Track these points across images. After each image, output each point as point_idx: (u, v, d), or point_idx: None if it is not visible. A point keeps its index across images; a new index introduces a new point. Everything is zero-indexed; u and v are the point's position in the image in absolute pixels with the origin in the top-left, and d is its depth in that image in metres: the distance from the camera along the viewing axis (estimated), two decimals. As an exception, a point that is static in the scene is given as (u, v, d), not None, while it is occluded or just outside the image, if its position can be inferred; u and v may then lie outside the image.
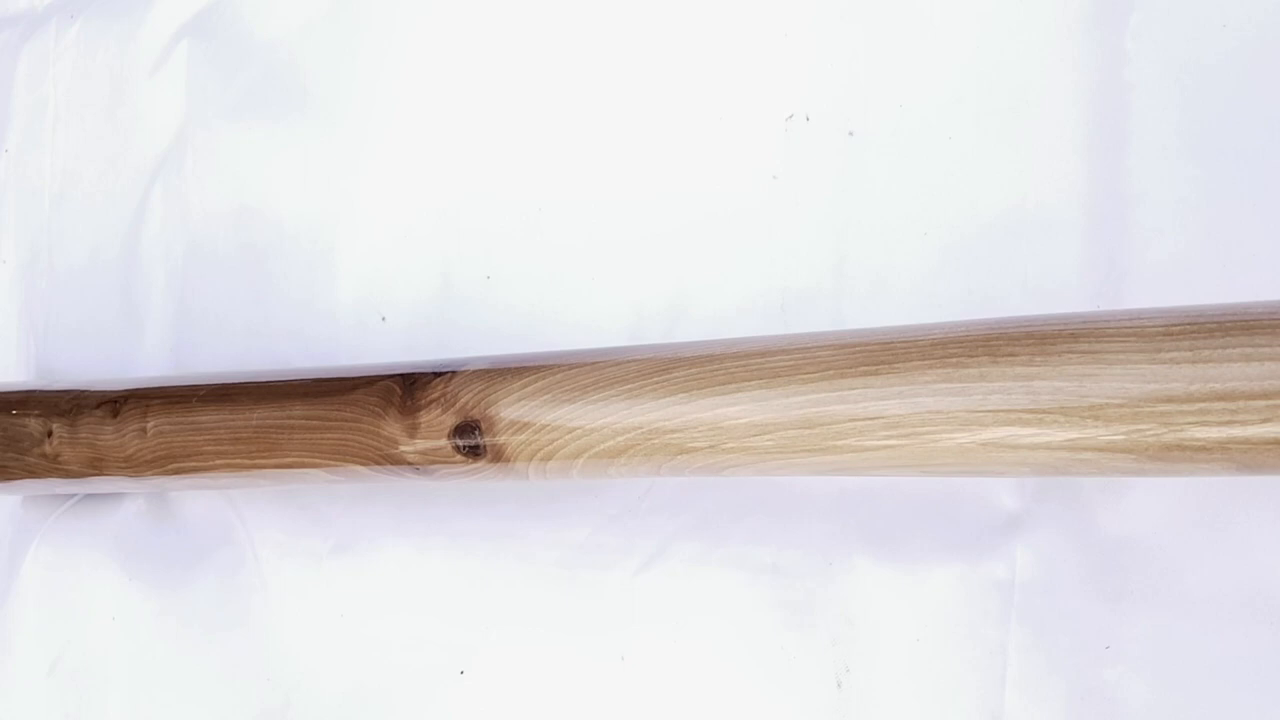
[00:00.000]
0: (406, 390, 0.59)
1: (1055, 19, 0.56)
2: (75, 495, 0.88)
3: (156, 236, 0.86)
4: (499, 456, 0.56)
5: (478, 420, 0.56)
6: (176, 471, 0.69)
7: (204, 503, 0.82)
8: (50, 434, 0.74)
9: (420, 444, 0.59)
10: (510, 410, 0.55)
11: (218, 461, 0.67)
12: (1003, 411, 0.43)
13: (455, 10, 0.75)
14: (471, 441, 0.56)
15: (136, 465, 0.70)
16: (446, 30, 0.75)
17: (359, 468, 0.62)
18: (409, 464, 0.60)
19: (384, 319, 0.75)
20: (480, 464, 0.57)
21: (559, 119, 0.70)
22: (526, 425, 0.55)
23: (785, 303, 0.62)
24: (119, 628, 0.83)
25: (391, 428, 0.59)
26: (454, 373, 0.58)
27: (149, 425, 0.69)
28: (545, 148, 0.71)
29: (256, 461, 0.65)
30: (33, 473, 0.76)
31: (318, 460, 0.63)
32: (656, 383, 0.51)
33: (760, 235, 0.63)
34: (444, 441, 0.57)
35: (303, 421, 0.63)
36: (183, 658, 0.81)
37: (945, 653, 0.56)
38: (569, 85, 0.70)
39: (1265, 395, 0.39)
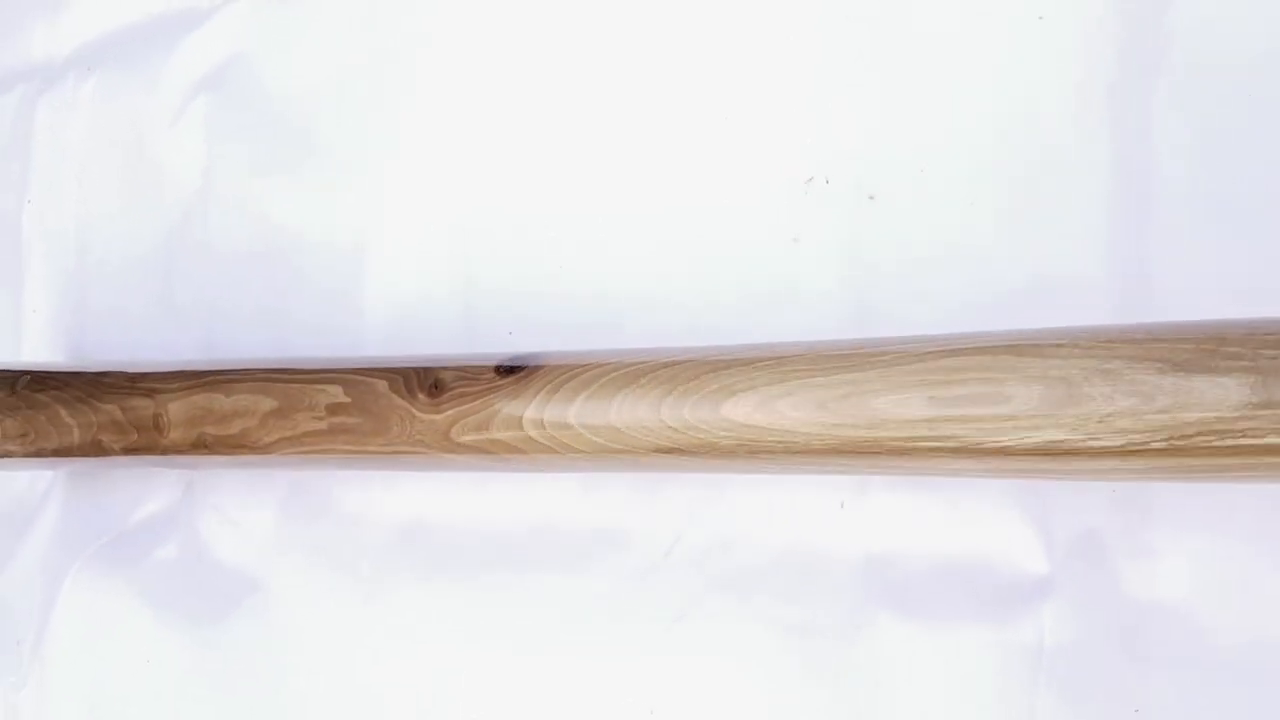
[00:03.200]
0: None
1: (1079, 85, 0.56)
2: (102, 538, 0.89)
3: (183, 284, 0.87)
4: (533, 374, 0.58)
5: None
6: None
7: (235, 548, 0.83)
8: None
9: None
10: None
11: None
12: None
13: (474, 63, 0.75)
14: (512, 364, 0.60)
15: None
16: (464, 82, 0.75)
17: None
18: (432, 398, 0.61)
19: None
20: (511, 381, 0.59)
21: (578, 180, 0.71)
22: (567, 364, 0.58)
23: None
24: (153, 671, 0.85)
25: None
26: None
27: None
28: (563, 207, 0.71)
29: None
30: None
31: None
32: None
33: (780, 297, 0.63)
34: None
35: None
36: (216, 703, 0.82)
37: (973, 716, 0.57)
38: (589, 145, 0.70)
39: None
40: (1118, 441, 0.44)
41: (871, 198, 0.61)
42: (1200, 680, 0.53)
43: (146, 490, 0.88)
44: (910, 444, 0.48)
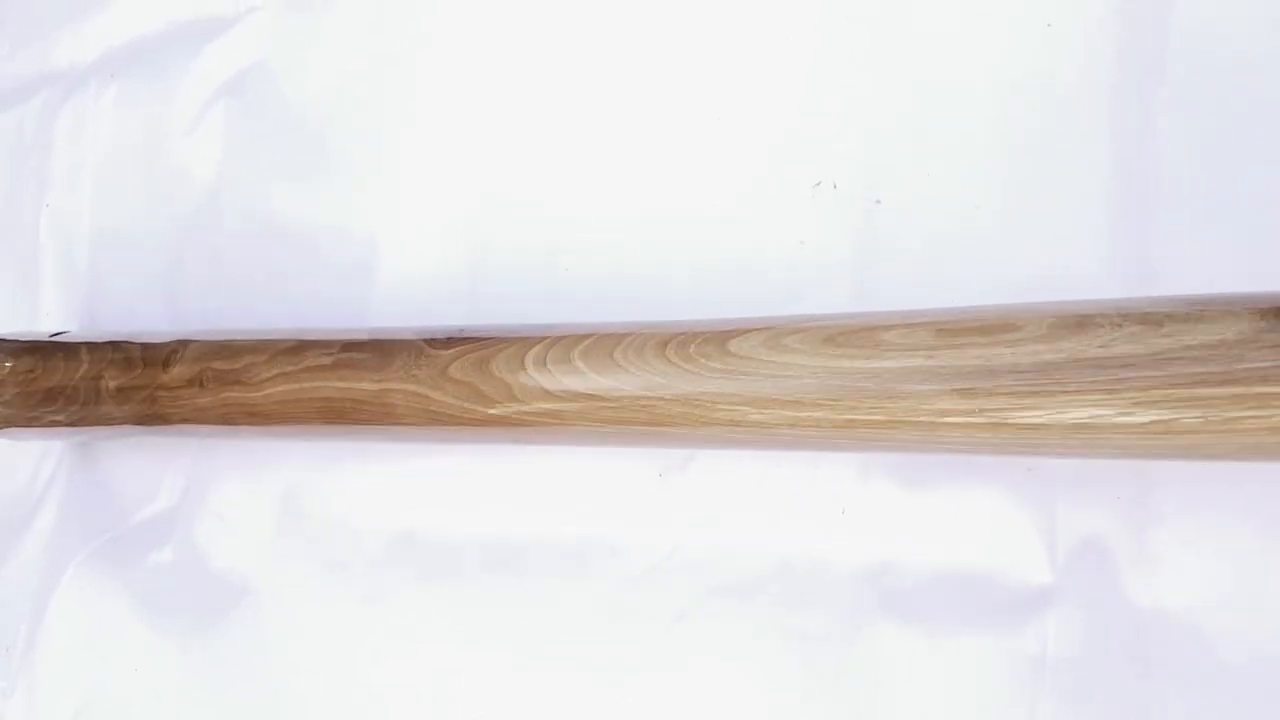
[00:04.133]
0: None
1: (1082, 88, 0.57)
2: (98, 540, 0.88)
3: (195, 292, 0.88)
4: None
5: None
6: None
7: (229, 553, 0.82)
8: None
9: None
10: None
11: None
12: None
13: (488, 72, 0.76)
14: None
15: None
16: (478, 90, 0.76)
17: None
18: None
19: None
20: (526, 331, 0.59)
21: (584, 187, 0.71)
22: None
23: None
24: (142, 679, 0.83)
25: None
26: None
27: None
28: (568, 214, 0.71)
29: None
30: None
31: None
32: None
33: (787, 301, 0.63)
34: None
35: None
36: (209, 709, 0.81)
37: (975, 726, 0.56)
38: (595, 152, 0.71)
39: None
40: (1127, 348, 0.43)
41: (878, 202, 0.61)
42: (1205, 690, 0.52)
43: (143, 493, 0.87)
44: (912, 374, 0.48)
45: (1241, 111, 0.53)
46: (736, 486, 0.64)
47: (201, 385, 0.70)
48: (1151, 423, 0.43)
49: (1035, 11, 0.58)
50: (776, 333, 0.51)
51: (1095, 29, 0.56)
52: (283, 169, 0.84)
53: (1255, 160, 0.53)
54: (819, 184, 0.63)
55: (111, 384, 0.75)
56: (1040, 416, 0.45)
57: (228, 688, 0.80)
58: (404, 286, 0.78)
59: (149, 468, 0.88)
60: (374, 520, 0.76)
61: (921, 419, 0.48)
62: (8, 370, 0.77)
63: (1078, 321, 0.45)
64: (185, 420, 0.74)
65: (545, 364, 0.57)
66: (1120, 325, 0.43)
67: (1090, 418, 0.44)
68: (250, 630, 0.79)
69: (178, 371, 0.72)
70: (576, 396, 0.56)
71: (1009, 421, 0.46)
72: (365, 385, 0.63)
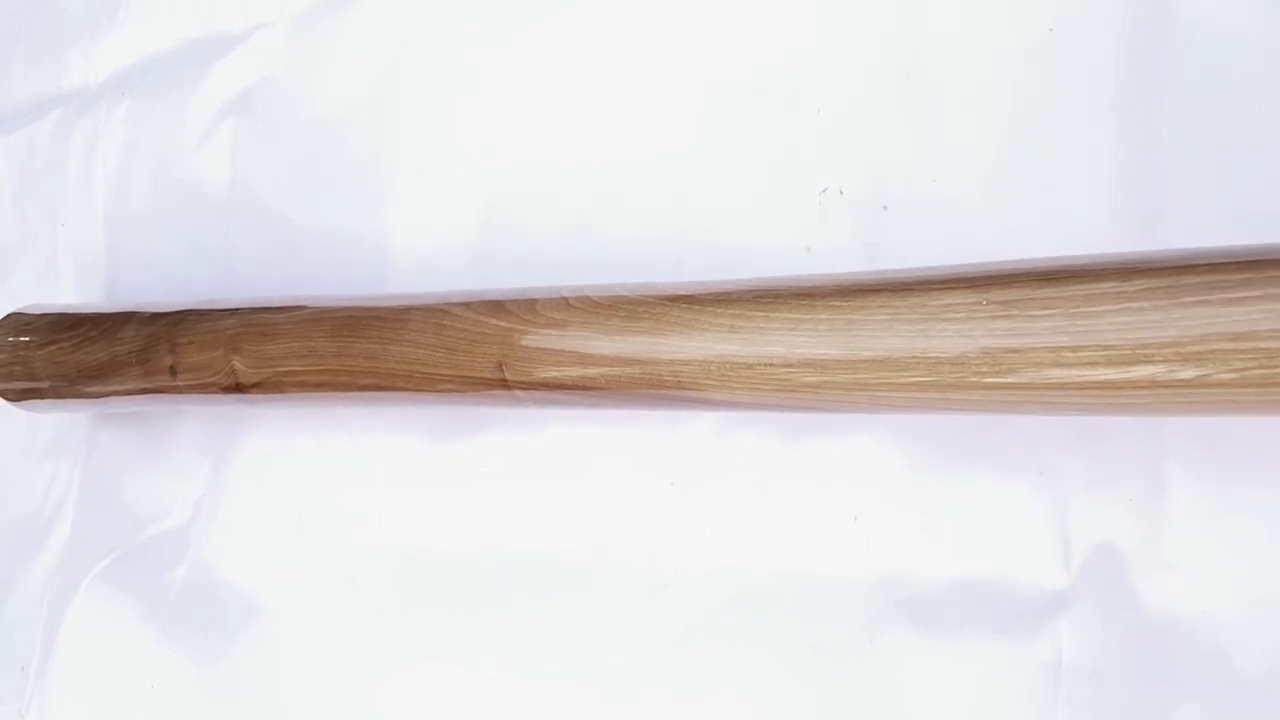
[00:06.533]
0: None
1: (1090, 95, 0.56)
2: (110, 557, 0.89)
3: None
4: None
5: None
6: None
7: (243, 571, 0.83)
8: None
9: None
10: None
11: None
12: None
13: (497, 85, 0.76)
14: None
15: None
16: (487, 103, 0.77)
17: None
18: None
19: None
20: None
21: (591, 194, 0.71)
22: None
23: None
24: (157, 696, 0.84)
25: None
26: None
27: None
28: (575, 227, 0.71)
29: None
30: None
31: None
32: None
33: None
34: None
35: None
36: (220, 727, 0.81)
37: (990, 735, 0.55)
38: (599, 161, 0.71)
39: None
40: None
41: (885, 208, 0.61)
42: (1221, 694, 0.51)
43: (155, 510, 0.88)
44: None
45: (1247, 121, 0.53)
46: (747, 496, 0.64)
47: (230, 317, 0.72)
48: (1195, 378, 0.42)
49: (1038, 16, 0.58)
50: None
51: (1102, 38, 0.56)
52: (293, 183, 0.85)
53: (1261, 172, 0.52)
54: (825, 190, 0.63)
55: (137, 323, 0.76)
56: (1074, 376, 0.44)
57: (242, 704, 0.80)
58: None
59: (161, 484, 0.88)
60: (385, 537, 0.76)
61: (951, 378, 0.47)
62: (29, 343, 0.78)
63: (1123, 271, 0.44)
64: (192, 342, 0.74)
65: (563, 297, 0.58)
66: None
67: (1125, 375, 0.43)
68: (264, 647, 0.79)
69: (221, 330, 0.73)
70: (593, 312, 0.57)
71: (1044, 381, 0.45)
72: (385, 312, 0.64)
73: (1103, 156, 0.56)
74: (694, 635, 0.63)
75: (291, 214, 0.84)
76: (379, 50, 0.81)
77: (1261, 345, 0.40)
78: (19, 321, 0.83)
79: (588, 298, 0.57)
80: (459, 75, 0.78)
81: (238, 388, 0.71)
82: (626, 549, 0.67)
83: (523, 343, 0.58)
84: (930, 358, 0.47)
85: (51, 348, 0.81)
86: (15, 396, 0.84)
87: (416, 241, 0.78)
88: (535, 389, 0.59)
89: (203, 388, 0.73)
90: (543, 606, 0.69)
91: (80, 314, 0.82)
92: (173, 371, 0.74)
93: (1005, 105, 0.58)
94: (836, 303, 0.49)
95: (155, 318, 0.77)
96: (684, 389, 0.54)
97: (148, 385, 0.76)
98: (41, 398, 0.83)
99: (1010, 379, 0.45)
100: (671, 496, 0.66)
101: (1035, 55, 0.58)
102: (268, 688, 0.78)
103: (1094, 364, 0.43)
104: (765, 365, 0.51)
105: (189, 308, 0.76)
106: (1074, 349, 0.44)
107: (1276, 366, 0.40)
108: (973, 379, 0.46)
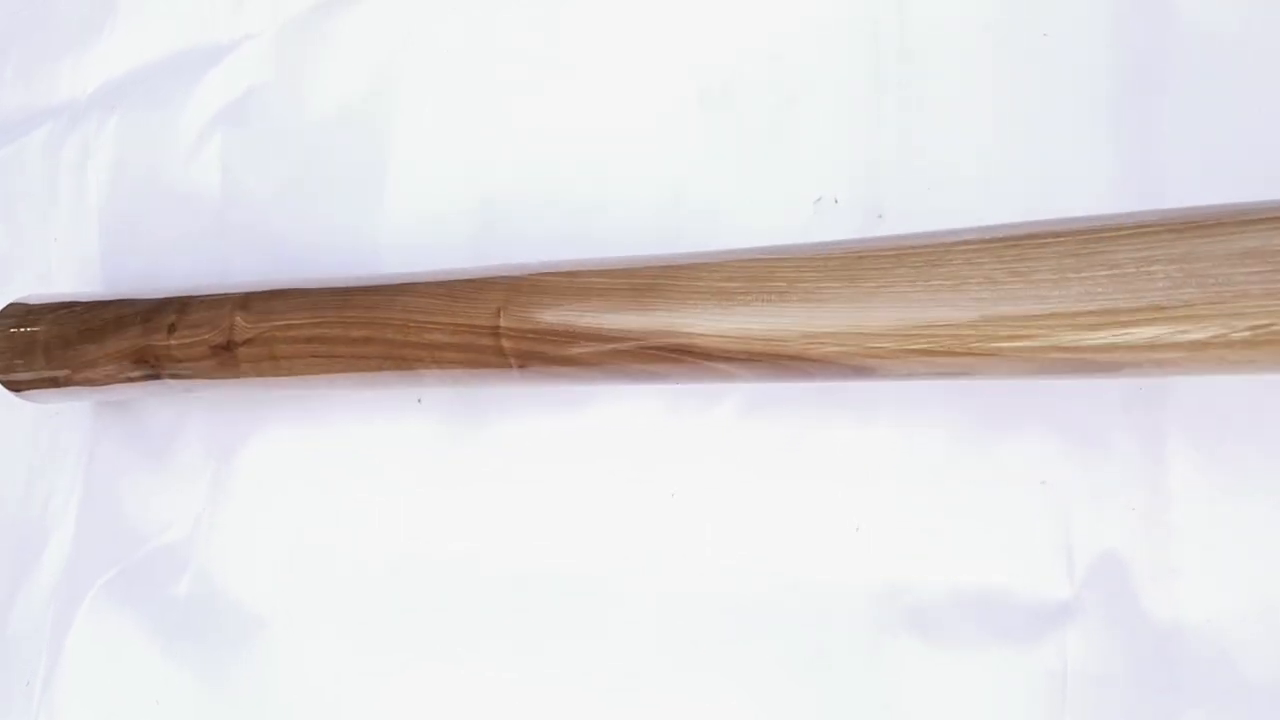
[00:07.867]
0: None
1: (1083, 101, 0.56)
2: (112, 571, 0.89)
3: None
4: None
5: None
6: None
7: (245, 584, 0.83)
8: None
9: None
10: None
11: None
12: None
13: (485, 92, 0.76)
14: None
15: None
16: (476, 110, 0.76)
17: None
18: None
19: None
20: None
21: (585, 205, 0.71)
22: None
23: (822, 387, 0.62)
24: (162, 711, 0.84)
25: None
26: None
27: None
28: (569, 233, 0.71)
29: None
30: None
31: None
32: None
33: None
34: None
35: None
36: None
37: (996, 746, 0.55)
38: (597, 165, 0.71)
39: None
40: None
41: (880, 216, 0.61)
42: (1227, 703, 0.51)
43: (156, 524, 0.88)
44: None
45: (1245, 126, 0.53)
46: (748, 506, 0.64)
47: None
48: (1211, 339, 0.41)
49: (1031, 21, 0.57)
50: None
51: (1096, 44, 0.56)
52: (284, 192, 0.84)
53: (1259, 175, 0.52)
54: (820, 199, 0.63)
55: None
56: (1109, 338, 0.44)
57: (245, 718, 0.80)
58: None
59: (161, 497, 0.88)
60: (387, 550, 0.76)
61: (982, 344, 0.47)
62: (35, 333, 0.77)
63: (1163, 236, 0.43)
64: (203, 301, 0.73)
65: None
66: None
67: (1155, 338, 0.43)
68: (267, 660, 0.79)
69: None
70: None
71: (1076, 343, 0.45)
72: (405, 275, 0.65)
73: (1099, 161, 0.55)
74: (696, 646, 0.63)
75: (285, 223, 0.84)
76: (368, 59, 0.81)
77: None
78: (22, 310, 0.83)
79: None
80: (450, 84, 0.78)
81: (228, 346, 0.70)
82: (627, 554, 0.67)
83: (526, 284, 0.59)
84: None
85: (62, 312, 0.81)
86: (6, 367, 0.84)
87: (409, 252, 0.78)
88: (529, 338, 0.58)
89: (191, 347, 0.72)
90: (544, 618, 0.69)
91: (102, 298, 0.82)
92: (171, 329, 0.73)
93: (1000, 112, 0.58)
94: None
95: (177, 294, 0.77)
96: (688, 348, 0.54)
97: (140, 342, 0.75)
98: (33, 369, 0.81)
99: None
100: (672, 503, 0.66)
101: (1030, 60, 0.57)
102: (273, 702, 0.78)
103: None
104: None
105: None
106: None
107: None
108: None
